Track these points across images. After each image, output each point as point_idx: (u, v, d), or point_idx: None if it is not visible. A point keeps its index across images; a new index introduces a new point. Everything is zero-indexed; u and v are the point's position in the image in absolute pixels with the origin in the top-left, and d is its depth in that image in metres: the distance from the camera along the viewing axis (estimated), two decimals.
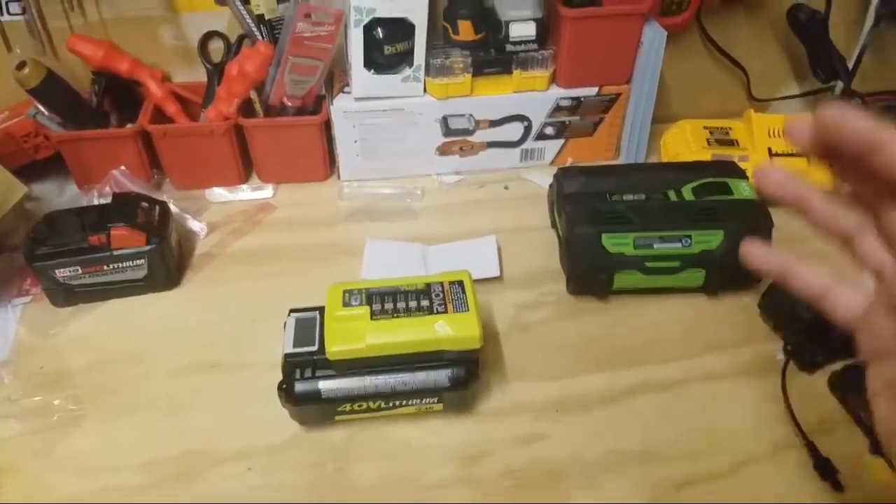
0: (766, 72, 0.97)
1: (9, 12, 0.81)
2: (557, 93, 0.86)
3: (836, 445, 0.56)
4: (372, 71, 0.81)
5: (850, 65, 0.92)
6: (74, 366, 0.67)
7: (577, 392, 0.63)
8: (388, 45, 0.80)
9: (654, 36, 0.81)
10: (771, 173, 0.35)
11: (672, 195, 0.73)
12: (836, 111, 0.30)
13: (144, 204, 0.74)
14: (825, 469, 0.56)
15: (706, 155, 0.84)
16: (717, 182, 0.73)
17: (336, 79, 0.86)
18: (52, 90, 0.79)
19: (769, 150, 0.84)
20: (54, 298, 0.73)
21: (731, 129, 0.89)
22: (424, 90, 0.84)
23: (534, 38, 0.82)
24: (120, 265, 0.71)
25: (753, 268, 0.39)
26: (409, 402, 0.59)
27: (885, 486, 0.54)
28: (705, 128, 0.89)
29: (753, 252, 0.39)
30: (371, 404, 0.59)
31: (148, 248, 0.71)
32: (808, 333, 0.63)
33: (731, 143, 0.86)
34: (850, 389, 0.60)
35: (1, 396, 0.64)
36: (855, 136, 0.30)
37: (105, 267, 0.71)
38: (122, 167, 0.83)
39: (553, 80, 0.86)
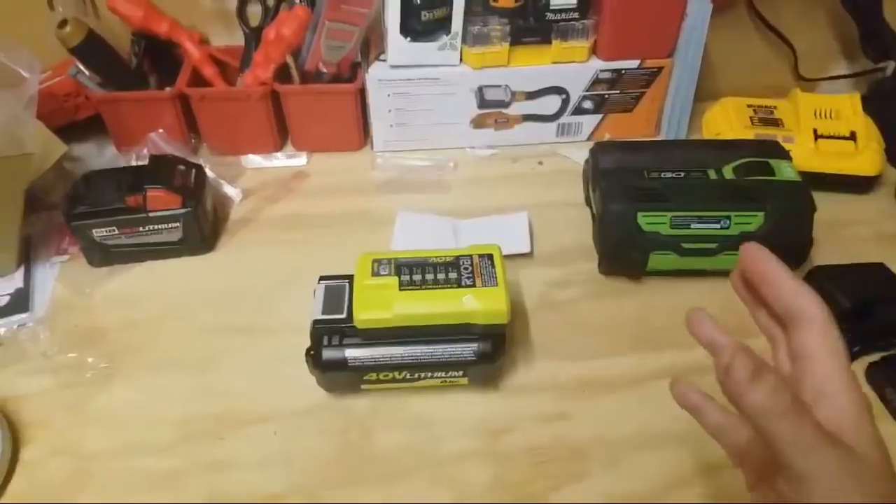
0: (814, 49, 0.94)
1: None
2: (597, 65, 0.84)
3: None
4: (408, 38, 0.80)
5: None
6: (108, 324, 0.69)
7: (604, 373, 0.63)
8: (425, 10, 0.78)
9: (699, 8, 0.79)
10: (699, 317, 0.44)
11: (712, 174, 0.71)
12: (748, 248, 0.41)
13: (181, 167, 0.75)
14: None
15: (749, 134, 0.82)
16: (759, 162, 0.71)
17: (372, 46, 0.85)
18: (92, 50, 0.80)
19: (814, 131, 0.81)
20: (91, 257, 0.74)
21: (775, 108, 0.86)
22: (461, 59, 0.83)
23: (575, 6, 0.80)
24: (155, 227, 0.72)
25: (676, 400, 0.47)
26: (434, 375, 0.59)
27: None
28: (749, 106, 0.86)
29: (677, 390, 0.47)
30: (396, 374, 0.59)
31: (183, 210, 0.72)
32: (846, 322, 0.61)
33: (776, 122, 0.84)
34: (889, 381, 0.59)
35: (36, 352, 0.66)
36: (756, 270, 0.41)
37: (141, 228, 0.72)
38: (161, 130, 0.84)
39: (593, 51, 0.84)
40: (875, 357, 0.61)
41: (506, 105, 0.86)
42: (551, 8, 0.80)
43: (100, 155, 0.88)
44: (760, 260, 0.40)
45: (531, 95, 0.85)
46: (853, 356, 0.62)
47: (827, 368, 0.36)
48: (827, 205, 0.69)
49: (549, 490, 0.55)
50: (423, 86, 0.84)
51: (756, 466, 0.40)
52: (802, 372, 0.37)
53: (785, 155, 0.73)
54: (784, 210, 0.67)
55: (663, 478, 0.55)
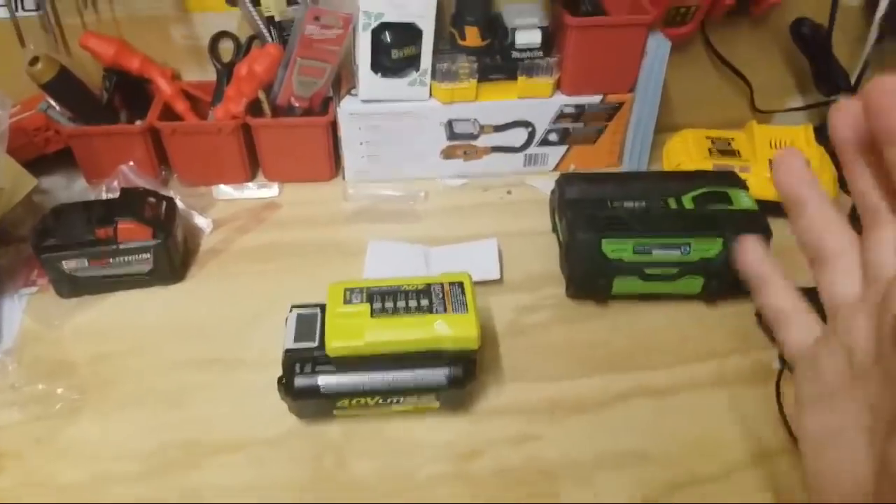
0: (769, 84, 0.98)
1: (23, 8, 0.82)
2: (561, 100, 0.87)
3: None
4: (379, 74, 0.82)
5: (854, 79, 0.93)
6: (77, 356, 0.68)
7: (573, 394, 0.64)
8: (395, 49, 0.81)
9: (658, 46, 0.82)
10: (792, 162, 0.33)
11: (672, 203, 0.73)
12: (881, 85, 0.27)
13: (151, 199, 0.75)
14: None
15: (707, 164, 0.85)
16: (718, 192, 0.74)
17: (343, 81, 0.87)
18: (64, 86, 0.81)
19: (770, 161, 0.84)
20: (60, 289, 0.74)
21: (733, 139, 0.89)
22: (430, 94, 0.85)
23: (539, 45, 0.83)
24: (126, 258, 0.72)
25: (740, 263, 0.37)
26: (407, 400, 0.60)
27: None
28: (707, 137, 0.89)
29: (748, 249, 0.37)
30: (369, 400, 0.60)
31: (154, 242, 0.72)
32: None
33: (733, 153, 0.87)
34: None
35: (4, 384, 0.65)
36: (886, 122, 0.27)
37: (111, 260, 0.72)
38: (131, 162, 0.84)
39: (557, 87, 0.87)
40: None
41: (474, 137, 0.88)
42: (517, 47, 0.83)
43: (69, 187, 0.88)
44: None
45: (499, 128, 0.88)
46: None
47: None
48: (783, 231, 0.71)
49: None
50: (393, 119, 0.86)
51: (839, 377, 0.29)
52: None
53: (742, 185, 0.76)
54: (742, 237, 0.69)
55: (633, 495, 0.56)
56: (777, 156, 0.34)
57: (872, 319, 0.28)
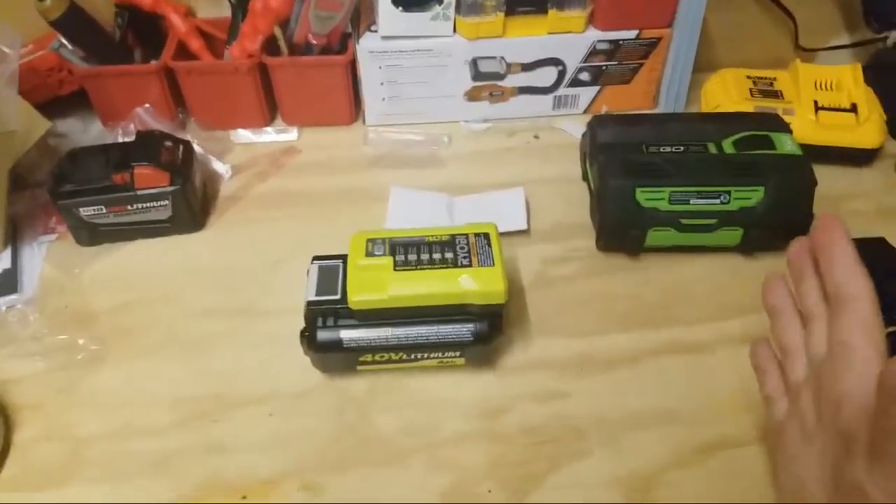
0: (815, 19, 0.92)
1: None
2: (594, 35, 0.82)
3: None
4: (400, 8, 0.78)
5: None
6: (99, 305, 0.67)
7: (602, 350, 0.62)
8: None
9: None
10: (777, 285, 0.47)
11: (712, 148, 0.70)
12: (828, 218, 0.41)
13: (168, 143, 0.73)
14: None
15: (748, 106, 0.80)
16: (760, 135, 0.70)
17: (363, 16, 0.83)
18: (74, 22, 0.77)
19: (815, 103, 0.79)
20: (79, 237, 0.72)
21: (775, 79, 0.84)
22: (454, 30, 0.81)
23: None
24: (144, 205, 0.71)
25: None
26: (431, 355, 0.59)
27: None
28: (748, 77, 0.84)
29: (755, 349, 0.49)
30: (393, 355, 0.58)
31: (172, 188, 0.70)
32: None
33: (776, 94, 0.82)
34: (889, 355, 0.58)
35: (26, 334, 0.64)
36: (823, 239, 0.40)
37: (129, 207, 0.70)
38: (147, 105, 0.82)
39: (590, 21, 0.82)
40: None
41: (501, 77, 0.84)
42: None
43: (85, 131, 0.86)
44: (832, 230, 0.40)
45: (527, 67, 0.83)
46: None
47: (867, 355, 0.36)
48: (827, 178, 0.68)
49: (548, 470, 0.54)
50: (415, 57, 0.82)
51: (830, 447, 0.38)
52: (838, 357, 0.37)
53: (785, 128, 0.71)
54: (785, 185, 0.66)
55: (663, 457, 0.55)
56: (766, 279, 0.48)
57: (812, 393, 0.40)
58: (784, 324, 0.44)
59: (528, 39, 0.81)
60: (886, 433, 0.32)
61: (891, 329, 0.60)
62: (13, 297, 0.68)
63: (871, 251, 0.65)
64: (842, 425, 0.36)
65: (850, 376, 0.36)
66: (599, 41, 0.82)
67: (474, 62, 0.82)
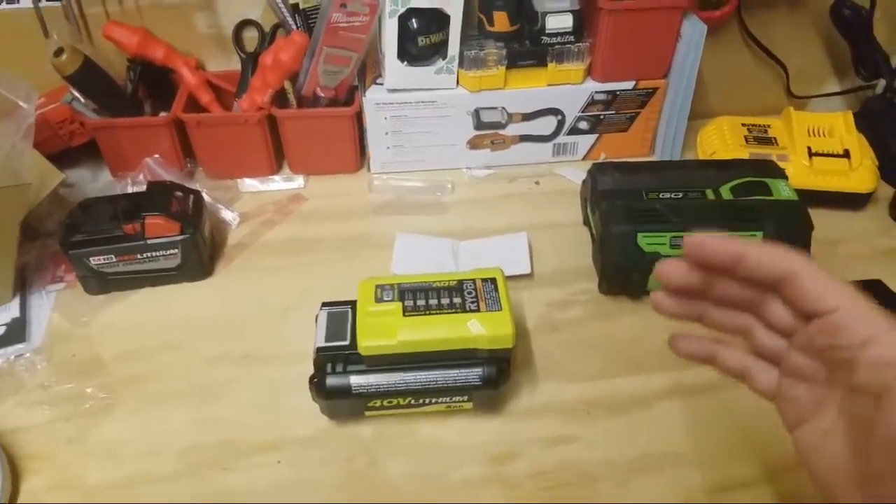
0: (806, 68, 0.95)
1: None
2: (593, 86, 0.84)
3: None
4: (405, 62, 0.80)
5: (894, 63, 0.90)
6: (107, 354, 0.68)
7: (609, 394, 0.63)
8: (422, 36, 0.79)
9: (693, 30, 0.80)
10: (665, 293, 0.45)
11: (710, 194, 0.71)
12: (698, 238, 0.40)
13: (178, 193, 0.74)
14: None
15: (744, 153, 0.82)
16: (757, 181, 0.72)
17: (369, 70, 0.86)
18: (88, 77, 0.80)
19: (808, 149, 0.82)
20: (88, 286, 0.73)
21: (769, 126, 0.87)
22: (457, 82, 0.83)
23: (570, 30, 0.81)
24: (153, 254, 0.72)
25: (679, 355, 0.47)
26: (439, 400, 0.59)
27: None
28: (743, 125, 0.87)
29: (678, 344, 0.47)
30: (401, 400, 0.59)
31: (181, 237, 0.71)
32: None
33: (770, 141, 0.84)
34: None
35: (34, 383, 0.65)
36: (721, 254, 0.40)
37: (139, 255, 0.71)
38: (156, 155, 0.84)
39: (588, 73, 0.85)
40: None
41: (502, 126, 0.86)
42: (547, 32, 0.81)
43: (94, 180, 0.87)
44: (719, 247, 0.40)
45: (527, 117, 0.86)
46: None
47: (855, 311, 0.36)
48: (822, 221, 0.69)
49: None
50: (419, 108, 0.84)
51: (809, 396, 0.40)
52: (830, 324, 0.37)
53: (781, 174, 0.73)
54: (783, 229, 0.67)
55: (674, 500, 0.55)
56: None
57: (811, 356, 0.39)
58: (720, 314, 0.43)
59: (528, 91, 0.84)
60: None
61: None
62: (21, 346, 0.68)
63: (869, 293, 0.67)
64: (863, 379, 0.35)
65: (852, 333, 0.36)
66: (597, 92, 0.85)
67: (476, 112, 0.85)
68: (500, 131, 0.87)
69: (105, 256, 0.71)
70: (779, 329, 0.41)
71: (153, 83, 0.87)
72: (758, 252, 0.39)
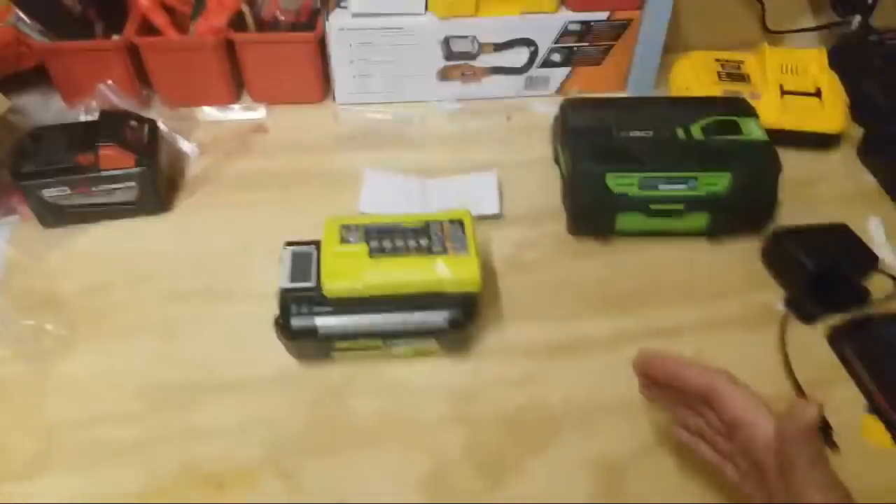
0: (782, 2, 0.93)
1: None
2: (567, 16, 0.82)
3: (833, 402, 0.55)
4: None
5: None
6: (66, 289, 0.66)
7: (575, 335, 0.63)
8: None
9: None
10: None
11: (680, 133, 0.70)
12: (642, 356, 0.51)
13: (133, 122, 0.71)
14: (819, 426, 0.56)
15: (717, 90, 0.81)
16: (728, 120, 0.71)
17: None
18: None
19: (780, 87, 0.81)
20: (43, 218, 0.71)
21: (743, 62, 0.85)
22: (426, 7, 0.80)
23: None
24: (109, 186, 0.69)
25: (674, 441, 0.53)
26: (406, 343, 0.59)
27: (878, 446, 0.55)
28: (717, 60, 0.85)
29: (675, 432, 0.52)
30: (368, 343, 0.59)
31: (138, 169, 0.69)
32: (810, 284, 0.63)
33: (743, 77, 0.83)
34: (851, 345, 0.60)
35: None
36: (660, 373, 0.49)
37: (94, 188, 0.69)
38: (110, 81, 0.79)
39: (562, 2, 0.82)
40: (837, 320, 0.63)
41: (473, 57, 0.84)
42: None
43: (45, 108, 0.83)
44: (660, 363, 0.50)
45: (499, 47, 0.83)
46: (816, 318, 0.63)
47: (761, 421, 0.44)
48: (791, 162, 0.70)
49: (523, 455, 0.55)
50: (386, 36, 0.81)
51: (754, 482, 0.46)
52: (745, 434, 0.45)
53: (752, 113, 0.73)
54: (751, 171, 0.67)
55: (636, 442, 0.56)
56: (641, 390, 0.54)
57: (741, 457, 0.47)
58: (683, 415, 0.51)
59: (500, 19, 0.81)
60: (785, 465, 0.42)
61: (854, 316, 0.63)
62: None
63: (835, 238, 0.68)
64: (762, 468, 0.44)
65: (756, 440, 0.44)
66: (571, 22, 0.82)
67: (446, 41, 0.82)
68: (471, 62, 0.84)
69: (59, 188, 0.68)
70: (720, 433, 0.48)
71: (104, 4, 0.82)
72: (687, 371, 0.47)
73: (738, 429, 0.45)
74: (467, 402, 0.59)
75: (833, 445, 0.54)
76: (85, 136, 0.69)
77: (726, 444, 0.47)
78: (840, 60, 0.85)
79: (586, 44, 0.84)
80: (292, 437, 0.56)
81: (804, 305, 0.63)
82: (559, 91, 0.88)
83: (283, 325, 0.57)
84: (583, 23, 0.82)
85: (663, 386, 0.50)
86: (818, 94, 0.81)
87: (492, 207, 0.73)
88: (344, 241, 0.58)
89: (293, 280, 0.58)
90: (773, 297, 0.66)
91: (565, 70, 0.87)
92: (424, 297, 0.57)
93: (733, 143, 0.69)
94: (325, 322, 0.57)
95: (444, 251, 0.57)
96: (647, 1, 0.81)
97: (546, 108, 0.84)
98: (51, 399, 0.59)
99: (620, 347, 0.61)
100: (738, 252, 0.70)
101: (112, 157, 0.68)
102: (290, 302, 0.58)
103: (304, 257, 0.59)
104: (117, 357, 0.61)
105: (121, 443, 0.56)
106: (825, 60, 0.83)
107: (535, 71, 0.86)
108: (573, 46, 0.84)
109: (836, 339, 0.61)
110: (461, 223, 0.59)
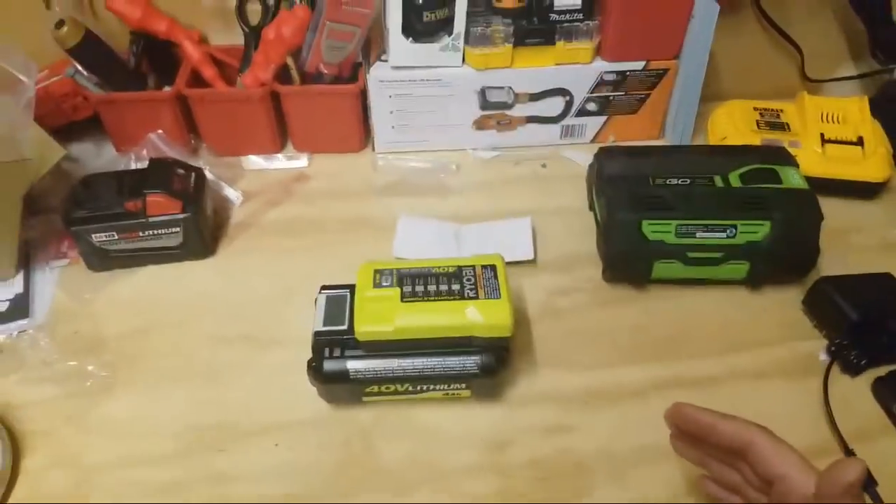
0: (821, 51, 0.93)
1: None
2: (602, 66, 0.83)
3: (877, 455, 0.53)
4: (410, 39, 0.79)
5: None
6: (109, 331, 0.68)
7: (608, 383, 0.62)
8: (427, 11, 0.77)
9: (706, 9, 0.78)
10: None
11: (718, 181, 0.70)
12: (676, 407, 0.49)
13: (180, 170, 0.74)
14: (864, 480, 0.54)
15: (755, 139, 0.81)
16: (766, 169, 0.70)
17: (373, 46, 0.84)
18: (90, 50, 0.79)
19: (821, 135, 0.80)
20: (90, 262, 0.73)
21: (782, 111, 0.85)
22: (463, 60, 0.82)
23: (579, 7, 0.79)
24: (155, 232, 0.72)
25: (706, 494, 0.51)
26: (437, 387, 0.59)
27: None
28: (755, 109, 0.85)
29: (707, 485, 0.51)
30: (399, 387, 0.59)
31: (183, 215, 0.71)
32: (854, 334, 0.61)
33: (782, 126, 0.83)
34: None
35: (37, 359, 0.65)
36: (693, 424, 0.48)
37: (141, 233, 0.71)
38: (160, 131, 0.83)
39: (597, 52, 0.83)
40: (882, 371, 0.61)
41: (509, 107, 0.85)
42: (555, 9, 0.79)
43: (98, 155, 0.87)
44: (695, 416, 0.48)
45: (534, 97, 0.84)
46: (859, 370, 0.61)
47: (800, 477, 0.43)
48: (833, 211, 0.68)
49: None
50: (424, 87, 0.83)
51: None
52: (782, 490, 0.44)
53: (792, 161, 0.72)
54: (791, 220, 0.66)
55: (668, 493, 0.55)
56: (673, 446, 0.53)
57: None
58: (717, 469, 0.49)
59: (535, 70, 0.82)
60: None
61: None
62: (24, 321, 0.69)
63: (879, 287, 0.66)
64: None
65: (794, 496, 0.43)
66: (606, 72, 0.83)
67: (483, 92, 0.83)
68: (507, 111, 0.85)
69: (107, 233, 0.71)
70: (757, 488, 0.47)
71: (156, 57, 0.86)
72: (720, 425, 0.46)
73: (775, 484, 0.44)
74: (498, 449, 0.58)
75: (879, 502, 0.52)
76: (134, 183, 0.72)
77: (761, 499, 0.46)
78: (883, 109, 0.84)
79: (622, 93, 0.85)
80: (321, 481, 0.56)
81: (848, 355, 0.62)
82: (595, 139, 0.89)
83: (315, 369, 0.58)
84: (618, 72, 0.83)
85: (697, 440, 0.49)
86: (860, 142, 0.80)
87: (526, 253, 0.73)
88: (377, 285, 0.59)
89: (327, 323, 0.59)
90: (816, 346, 0.64)
91: (601, 119, 0.87)
92: (456, 342, 0.57)
93: (773, 192, 0.68)
94: (356, 365, 0.57)
95: (476, 296, 0.57)
96: (683, 50, 0.82)
97: (581, 157, 0.85)
98: (90, 438, 0.60)
99: (655, 396, 0.61)
100: (779, 301, 0.68)
101: (159, 203, 0.71)
102: (323, 345, 0.58)
103: (339, 301, 0.60)
104: (156, 399, 0.63)
105: (156, 484, 0.57)
106: (867, 109, 0.82)
107: (570, 120, 0.87)
108: (609, 96, 0.85)
109: (881, 390, 0.59)
110: (493, 268, 0.60)
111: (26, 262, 0.74)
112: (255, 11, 0.86)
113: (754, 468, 0.45)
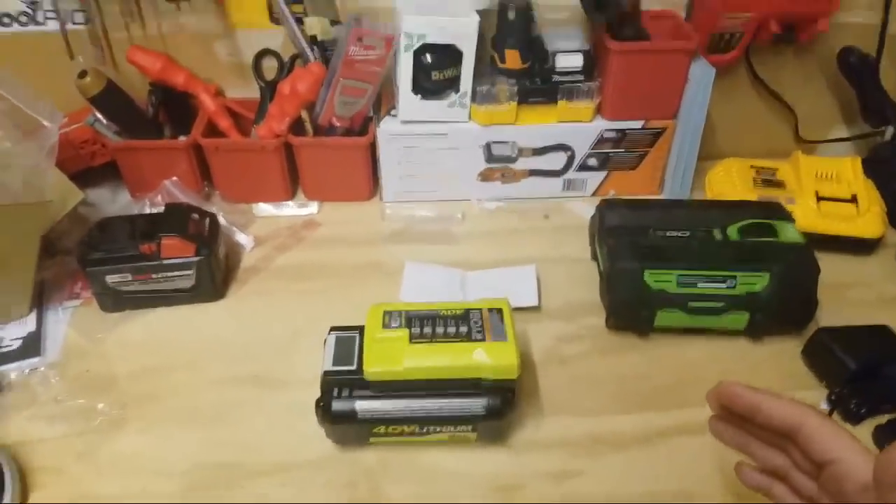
0: (814, 113, 0.96)
1: (73, 21, 0.84)
2: (602, 125, 0.86)
3: None
4: (419, 96, 0.82)
5: None
6: (119, 371, 0.69)
7: (614, 430, 0.63)
8: (435, 70, 0.81)
9: (702, 73, 0.82)
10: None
11: (717, 234, 0.72)
12: (723, 385, 0.46)
13: (195, 215, 0.76)
14: None
15: (752, 195, 0.83)
16: (764, 223, 0.73)
17: (384, 102, 0.88)
18: (111, 99, 0.82)
19: (816, 193, 0.83)
20: (103, 303, 0.75)
21: (777, 169, 0.88)
22: (469, 116, 0.85)
23: (580, 69, 0.83)
24: (168, 274, 0.73)
25: (743, 483, 0.49)
26: (444, 429, 0.60)
27: None
28: (752, 167, 0.88)
29: (743, 473, 0.49)
30: (406, 428, 0.59)
31: (197, 258, 0.73)
32: (853, 383, 0.62)
33: (778, 184, 0.86)
34: None
35: (48, 397, 0.66)
36: (739, 403, 0.45)
37: (154, 275, 0.73)
38: (175, 178, 0.86)
39: (598, 111, 0.86)
40: (882, 419, 0.62)
41: (513, 160, 0.88)
42: (557, 70, 0.83)
43: (113, 200, 0.89)
44: (743, 394, 0.45)
45: (537, 152, 0.87)
46: (860, 418, 0.62)
47: (856, 459, 0.40)
48: (830, 266, 0.70)
49: None
50: (432, 140, 0.86)
51: None
52: (835, 473, 0.41)
53: (788, 217, 0.74)
54: (790, 271, 0.68)
55: None
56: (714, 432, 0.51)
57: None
58: (760, 452, 0.47)
59: (539, 127, 0.86)
60: None
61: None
62: (36, 359, 0.70)
63: (876, 338, 0.68)
64: None
65: (849, 480, 0.40)
66: (607, 130, 0.86)
67: (488, 146, 0.86)
68: (511, 165, 0.88)
69: (121, 275, 0.72)
70: (805, 471, 0.44)
71: (174, 108, 0.89)
72: (769, 404, 0.44)
73: (828, 467, 0.41)
74: (505, 493, 0.58)
75: None
76: (149, 227, 0.74)
77: (810, 484, 0.44)
78: (875, 169, 0.87)
79: (622, 150, 0.88)
80: None
81: (848, 404, 0.63)
82: (596, 193, 0.92)
83: (323, 408, 0.58)
84: (618, 130, 0.86)
85: (741, 420, 0.47)
86: (854, 200, 0.82)
87: (530, 299, 0.74)
88: (387, 326, 0.60)
89: (336, 364, 0.60)
90: (816, 396, 0.65)
91: (602, 174, 0.90)
92: (463, 384, 0.58)
93: (771, 245, 0.71)
94: (364, 406, 0.58)
95: (484, 338, 0.59)
96: (680, 111, 0.85)
97: (583, 209, 0.87)
98: (99, 476, 0.60)
99: (659, 443, 0.61)
100: (778, 351, 0.70)
101: (174, 246, 0.72)
102: (332, 385, 0.59)
103: (348, 342, 0.61)
104: (165, 438, 0.63)
105: None
106: (860, 168, 0.85)
107: (572, 174, 0.90)
108: (609, 152, 0.88)
109: (882, 437, 0.60)
110: (500, 312, 0.61)
111: (40, 301, 0.76)
112: (270, 67, 0.90)
113: (805, 450, 0.42)
